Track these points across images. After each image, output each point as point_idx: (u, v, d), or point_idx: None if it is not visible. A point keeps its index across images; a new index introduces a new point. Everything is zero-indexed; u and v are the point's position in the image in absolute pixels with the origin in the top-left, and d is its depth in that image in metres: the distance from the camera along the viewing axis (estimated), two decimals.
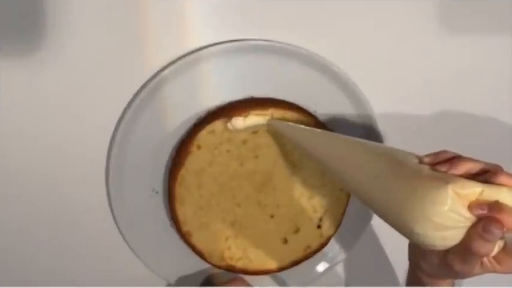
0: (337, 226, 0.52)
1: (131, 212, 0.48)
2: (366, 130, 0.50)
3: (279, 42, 0.45)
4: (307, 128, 0.46)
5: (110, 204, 0.47)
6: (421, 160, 0.36)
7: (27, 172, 0.46)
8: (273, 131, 0.47)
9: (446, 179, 0.33)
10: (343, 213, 0.51)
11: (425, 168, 0.35)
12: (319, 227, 0.51)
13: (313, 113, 0.49)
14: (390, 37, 0.48)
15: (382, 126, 0.50)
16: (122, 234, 0.49)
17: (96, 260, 0.51)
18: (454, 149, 0.53)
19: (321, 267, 0.54)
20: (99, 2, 0.42)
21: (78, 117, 0.45)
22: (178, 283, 0.52)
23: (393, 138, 0.51)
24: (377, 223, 0.54)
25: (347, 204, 0.51)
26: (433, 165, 0.36)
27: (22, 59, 0.42)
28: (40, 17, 0.41)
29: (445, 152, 0.37)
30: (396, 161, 0.37)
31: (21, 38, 0.42)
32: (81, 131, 0.45)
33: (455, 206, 0.32)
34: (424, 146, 0.52)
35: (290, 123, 0.46)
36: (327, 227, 0.51)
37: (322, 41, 0.46)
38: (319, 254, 0.52)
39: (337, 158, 0.41)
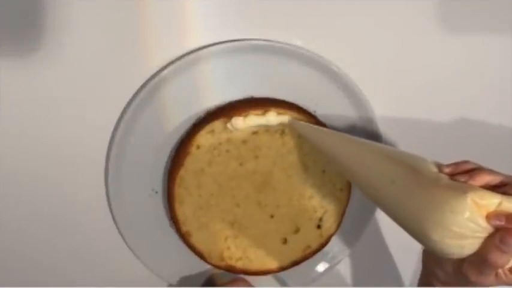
0: (337, 226, 0.52)
1: (130, 212, 0.48)
2: (366, 130, 0.50)
3: (279, 42, 0.45)
4: (328, 130, 0.46)
5: (109, 204, 0.47)
6: (440, 169, 0.37)
7: (27, 172, 0.46)
8: (294, 131, 0.47)
9: (466, 189, 0.33)
10: (343, 213, 0.51)
11: (444, 178, 0.36)
12: (319, 227, 0.51)
13: (313, 113, 0.49)
14: (390, 37, 0.48)
15: (382, 126, 0.50)
16: (121, 234, 0.49)
17: (96, 260, 0.51)
18: (455, 148, 0.53)
19: (321, 267, 0.54)
20: (99, 2, 0.42)
21: (77, 117, 0.45)
22: (177, 283, 0.52)
23: (393, 138, 0.51)
24: (377, 223, 0.54)
25: (347, 204, 0.51)
26: (453, 176, 0.36)
27: (22, 59, 0.42)
28: (40, 17, 0.41)
29: (465, 162, 0.37)
30: (415, 168, 0.37)
31: (21, 38, 0.42)
32: (81, 130, 0.45)
33: (473, 216, 0.33)
34: (424, 146, 0.53)
35: (311, 125, 0.47)
36: (327, 227, 0.51)
37: (322, 41, 0.46)
38: (319, 254, 0.52)
39: (356, 161, 0.42)
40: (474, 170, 0.36)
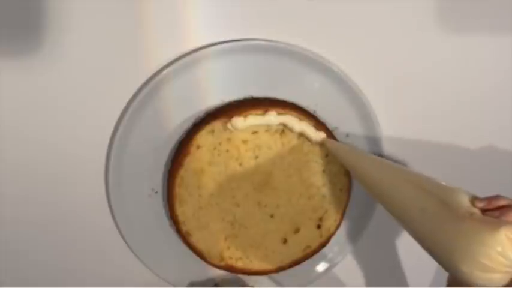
0: (337, 226, 0.52)
1: (131, 212, 0.48)
2: (366, 130, 0.50)
3: (279, 42, 0.45)
4: (359, 151, 0.47)
5: (110, 204, 0.47)
6: (473, 202, 0.37)
7: (27, 172, 0.46)
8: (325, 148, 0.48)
9: (499, 223, 0.34)
10: (343, 214, 0.51)
11: (477, 212, 0.36)
12: (319, 227, 0.51)
13: (313, 113, 0.49)
14: (390, 37, 0.48)
15: (382, 126, 0.50)
16: (121, 234, 0.49)
17: (96, 259, 0.51)
18: (455, 148, 0.53)
19: (321, 267, 0.54)
20: (99, 2, 0.42)
21: (77, 117, 0.45)
22: (178, 283, 0.52)
23: (393, 138, 0.51)
24: (377, 223, 0.54)
25: (347, 204, 0.51)
26: (485, 211, 0.36)
27: (22, 59, 0.42)
28: (40, 17, 0.41)
29: (498, 198, 0.37)
30: (446, 201, 0.37)
31: (21, 38, 0.42)
32: (81, 130, 0.45)
33: (505, 251, 0.33)
34: (424, 146, 0.53)
35: (343, 144, 0.48)
36: (327, 227, 0.51)
37: (323, 41, 0.46)
38: (319, 254, 0.52)
39: (386, 185, 0.42)
40: (506, 207, 0.37)
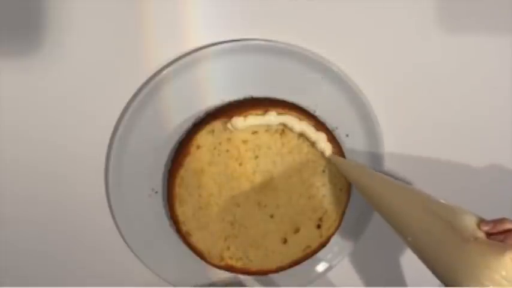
0: (337, 226, 0.51)
1: (130, 211, 0.48)
2: (366, 130, 0.50)
3: (279, 42, 0.45)
4: (368, 169, 0.47)
5: (110, 204, 0.47)
6: (479, 225, 0.37)
7: (27, 172, 0.46)
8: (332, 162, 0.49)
9: (504, 247, 0.34)
10: (343, 213, 0.51)
11: (481, 235, 0.37)
12: (319, 227, 0.51)
13: (313, 113, 0.49)
14: (390, 37, 0.48)
15: (382, 126, 0.50)
16: (121, 234, 0.49)
17: (95, 259, 0.51)
18: (455, 147, 0.53)
19: (321, 267, 0.54)
20: (99, 2, 0.42)
21: (77, 117, 0.45)
22: (177, 283, 0.52)
23: (393, 138, 0.51)
24: (377, 223, 0.54)
25: (347, 204, 0.51)
26: (490, 235, 0.37)
27: (22, 59, 0.42)
28: (40, 17, 0.41)
29: (503, 221, 0.38)
30: (452, 224, 0.38)
31: (22, 38, 0.42)
32: (81, 130, 0.45)
33: (509, 275, 0.34)
34: (424, 146, 0.53)
35: (351, 161, 0.48)
36: (327, 227, 0.51)
37: (323, 41, 0.46)
38: (319, 254, 0.52)
39: (393, 205, 0.43)
40: (511, 231, 0.37)
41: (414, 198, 0.42)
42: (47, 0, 0.41)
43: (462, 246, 0.36)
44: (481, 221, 0.38)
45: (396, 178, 0.49)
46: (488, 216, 0.38)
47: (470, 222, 0.38)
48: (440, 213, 0.39)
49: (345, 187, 0.50)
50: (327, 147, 0.48)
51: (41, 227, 0.48)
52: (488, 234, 0.37)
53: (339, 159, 0.48)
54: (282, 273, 0.51)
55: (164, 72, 0.44)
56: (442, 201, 0.40)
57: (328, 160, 0.49)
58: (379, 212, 0.44)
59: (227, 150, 0.47)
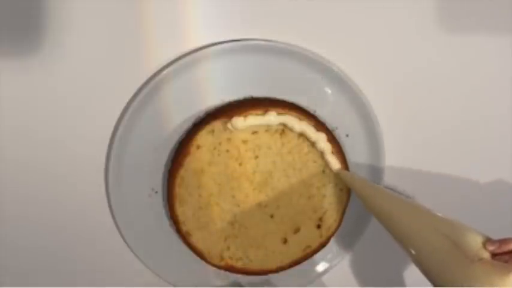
0: (337, 226, 0.51)
1: (130, 211, 0.48)
2: (366, 130, 0.50)
3: (279, 42, 0.45)
4: (376, 186, 0.48)
5: (110, 204, 0.47)
6: (484, 244, 0.38)
7: (27, 172, 0.46)
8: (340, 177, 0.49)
9: (509, 268, 0.35)
10: (343, 213, 0.51)
11: (486, 255, 0.37)
12: (319, 227, 0.51)
13: (313, 113, 0.49)
14: (390, 37, 0.48)
15: (382, 126, 0.50)
16: (121, 234, 0.49)
17: (95, 259, 0.51)
18: (455, 147, 0.53)
19: (321, 267, 0.54)
20: (99, 2, 0.42)
21: (77, 117, 0.45)
22: (177, 283, 0.52)
23: (393, 138, 0.51)
24: (377, 224, 0.54)
25: (347, 204, 0.51)
26: (495, 255, 0.37)
27: (22, 59, 0.42)
28: (40, 17, 0.41)
29: (509, 241, 0.38)
30: (458, 239, 0.38)
31: (22, 38, 0.42)
32: (81, 130, 0.45)
33: None
34: (423, 146, 0.53)
35: (359, 177, 0.48)
36: (327, 227, 0.51)
37: (322, 41, 0.46)
38: (319, 254, 0.52)
39: (401, 222, 0.43)
40: None
41: (422, 217, 0.42)
42: (47, 0, 0.41)
43: (467, 266, 0.37)
44: (487, 241, 0.38)
45: (397, 176, 0.49)
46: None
47: (475, 241, 0.38)
48: (447, 231, 0.39)
49: (345, 187, 0.50)
50: (327, 147, 0.48)
51: (41, 226, 0.48)
52: (494, 255, 0.37)
53: (347, 174, 0.48)
54: (282, 273, 0.51)
55: (164, 72, 0.44)
56: (449, 218, 0.41)
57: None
58: (387, 229, 0.45)
59: (227, 150, 0.47)
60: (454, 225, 0.40)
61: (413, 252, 0.41)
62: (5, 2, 0.40)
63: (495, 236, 0.39)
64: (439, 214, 0.41)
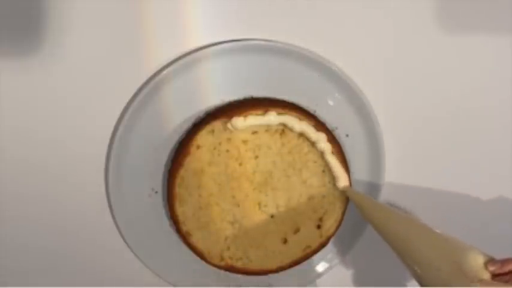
0: (337, 226, 0.51)
1: (131, 211, 0.48)
2: (366, 130, 0.50)
3: (279, 42, 0.45)
4: (378, 203, 0.48)
5: (110, 204, 0.47)
6: (485, 264, 0.38)
7: (27, 173, 0.46)
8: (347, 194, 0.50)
9: None
10: (343, 213, 0.51)
11: (487, 275, 0.37)
12: (319, 227, 0.51)
13: (313, 113, 0.49)
14: (390, 37, 0.48)
15: (382, 126, 0.50)
16: (121, 234, 0.49)
17: (95, 259, 0.51)
18: (455, 147, 0.53)
19: (321, 267, 0.54)
20: (99, 2, 0.42)
21: (77, 117, 0.45)
22: (177, 283, 0.52)
23: (393, 138, 0.51)
24: None
25: (347, 205, 0.51)
26: (496, 276, 0.38)
27: (22, 59, 0.42)
28: (40, 17, 0.41)
29: (510, 261, 0.38)
30: (460, 259, 0.39)
31: (22, 38, 0.42)
32: (81, 130, 0.45)
33: None
34: (423, 146, 0.53)
35: (366, 196, 0.49)
36: (327, 227, 0.51)
37: (322, 41, 0.46)
38: (319, 254, 0.52)
39: (406, 241, 0.43)
40: None
41: (427, 236, 0.42)
42: (47, 0, 0.41)
43: (467, 286, 0.37)
44: (489, 261, 0.38)
45: (397, 176, 0.49)
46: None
47: (476, 261, 0.38)
48: (451, 251, 0.40)
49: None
50: (327, 147, 0.48)
51: (41, 226, 0.48)
52: (495, 275, 0.37)
53: (353, 192, 0.49)
54: (282, 273, 0.51)
55: (164, 72, 0.44)
56: (451, 237, 0.41)
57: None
58: (391, 247, 0.45)
59: (227, 150, 0.47)
60: (458, 244, 0.40)
61: (418, 271, 0.42)
62: (5, 2, 0.40)
63: (496, 251, 0.39)
64: (444, 235, 0.42)
